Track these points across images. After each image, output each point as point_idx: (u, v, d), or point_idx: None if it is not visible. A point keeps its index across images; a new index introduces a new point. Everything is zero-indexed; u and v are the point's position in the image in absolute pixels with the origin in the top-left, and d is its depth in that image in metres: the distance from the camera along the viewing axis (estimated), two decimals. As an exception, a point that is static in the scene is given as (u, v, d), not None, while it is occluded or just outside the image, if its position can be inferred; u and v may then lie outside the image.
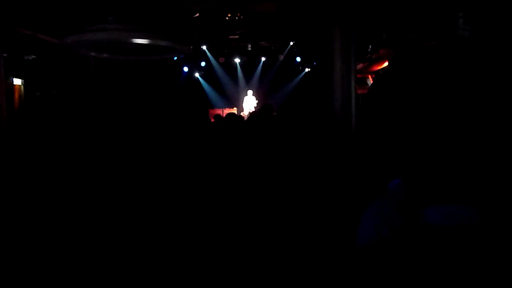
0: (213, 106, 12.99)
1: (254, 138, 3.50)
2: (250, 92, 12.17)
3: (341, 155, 3.23)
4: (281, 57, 12.64)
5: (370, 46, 7.67)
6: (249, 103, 11.91)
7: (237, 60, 13.09)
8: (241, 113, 11.42)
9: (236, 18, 8.96)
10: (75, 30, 6.39)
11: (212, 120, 7.55)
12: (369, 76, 8.93)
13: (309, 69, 13.21)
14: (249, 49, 11.88)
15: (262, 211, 2.68)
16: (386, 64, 8.04)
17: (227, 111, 12.02)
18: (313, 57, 12.36)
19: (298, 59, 12.82)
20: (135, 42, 6.47)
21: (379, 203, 0.97)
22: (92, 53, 7.91)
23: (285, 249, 2.19)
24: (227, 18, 8.97)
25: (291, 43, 11.97)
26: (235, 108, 12.14)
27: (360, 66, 8.25)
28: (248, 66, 13.36)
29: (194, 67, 13.40)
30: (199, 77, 13.65)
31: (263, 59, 13.09)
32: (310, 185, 2.78)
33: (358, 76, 7.96)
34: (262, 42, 11.95)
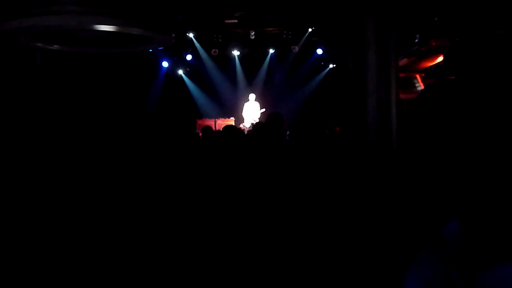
0: (202, 116, 13.14)
1: (260, 159, 3.52)
2: (252, 96, 12.25)
3: (377, 181, 3.23)
4: (296, 49, 12.78)
5: (417, 36, 7.73)
6: (252, 111, 11.96)
7: (235, 53, 13.26)
8: (241, 125, 11.47)
9: (235, -5, 9.11)
10: (17, 13, 6.50)
11: (200, 134, 7.57)
12: (417, 76, 8.97)
13: (334, 65, 13.33)
14: (252, 37, 12.00)
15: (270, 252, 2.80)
16: (440, 59, 8.09)
17: (221, 122, 12.08)
18: (340, 48, 12.47)
19: (320, 51, 12.96)
20: (97, 29, 6.55)
21: (432, 254, 0.97)
22: (39, 44, 8.02)
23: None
24: (222, -5, 9.12)
25: (310, 30, 12.09)
26: (232, 119, 12.24)
27: (404, 62, 8.30)
28: (251, 61, 13.56)
29: (177, 62, 13.61)
30: (183, 75, 13.85)
31: (271, 51, 13.26)
32: (337, 223, 2.82)
33: (401, 75, 7.99)
34: (270, 28, 12.09)
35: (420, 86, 8.94)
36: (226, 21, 10.91)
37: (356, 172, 3.21)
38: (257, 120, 11.22)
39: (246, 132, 9.34)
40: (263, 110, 11.56)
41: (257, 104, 11.90)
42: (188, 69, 13.82)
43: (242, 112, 12.09)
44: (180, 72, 13.82)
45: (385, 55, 4.06)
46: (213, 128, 11.01)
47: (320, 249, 2.69)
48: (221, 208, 3.19)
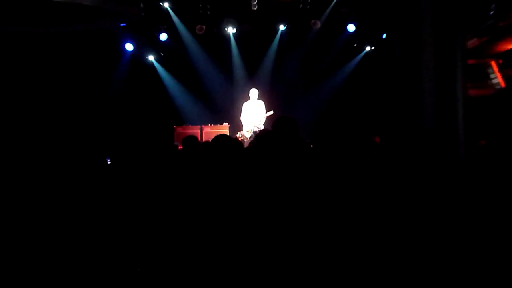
0: (182, 121, 13.21)
1: (267, 184, 3.51)
2: (254, 93, 12.21)
3: (440, 205, 3.25)
4: (318, 25, 12.81)
5: (493, 6, 7.73)
6: (254, 114, 11.96)
7: (230, 31, 13.28)
8: (238, 135, 11.45)
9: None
10: None
11: (180, 147, 7.60)
12: (492, 63, 8.95)
13: (372, 48, 13.36)
14: (255, 8, 12.04)
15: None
16: (525, 39, 8.07)
17: (210, 130, 12.16)
18: (381, 24, 12.47)
19: (351, 27, 12.98)
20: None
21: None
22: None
23: None
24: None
25: (337, -2, 12.15)
26: (226, 125, 12.31)
27: (473, 43, 8.29)
28: (253, 43, 13.62)
29: (146, 44, 13.66)
30: (155, 62, 13.90)
31: (281, 28, 13.30)
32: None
33: (471, 62, 7.99)
34: (280, -4, 12.15)
35: (497, 77, 8.93)
36: (217, -15, 10.96)
37: (414, 188, 3.22)
38: (262, 127, 11.19)
39: (245, 145, 9.34)
40: (271, 112, 11.52)
41: (262, 104, 11.83)
42: (162, 54, 13.84)
43: (240, 115, 12.08)
44: (151, 58, 13.85)
45: (447, 34, 4.07)
46: (199, 139, 11.00)
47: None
48: (213, 255, 3.19)
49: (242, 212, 3.35)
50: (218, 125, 12.31)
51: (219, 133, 5.03)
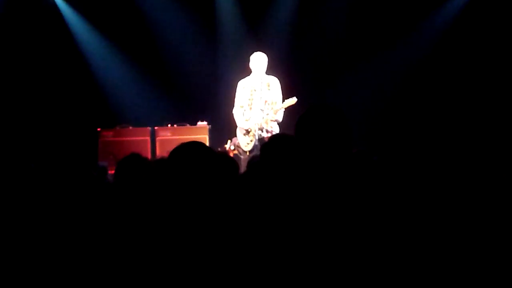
0: (117, 120, 13.34)
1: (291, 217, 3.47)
2: (260, 60, 12.19)
3: None
4: None
5: None
6: (259, 102, 11.94)
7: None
8: (228, 145, 11.46)
9: None
10: None
11: (111, 171, 7.66)
12: None
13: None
14: None
15: None
16: None
17: (171, 138, 12.25)
18: None
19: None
20: None
21: None
22: None
23: None
24: None
25: None
26: (203, 125, 12.47)
27: None
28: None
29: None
30: (59, 1, 13.95)
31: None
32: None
33: None
34: None
35: None
36: None
37: None
38: (275, 130, 11.24)
39: (243, 166, 9.33)
40: (293, 100, 11.51)
41: (275, 84, 11.91)
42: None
43: (232, 107, 12.10)
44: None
45: None
46: (148, 154, 11.05)
47: None
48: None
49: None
50: (188, 125, 12.31)
51: (189, 141, 4.94)
